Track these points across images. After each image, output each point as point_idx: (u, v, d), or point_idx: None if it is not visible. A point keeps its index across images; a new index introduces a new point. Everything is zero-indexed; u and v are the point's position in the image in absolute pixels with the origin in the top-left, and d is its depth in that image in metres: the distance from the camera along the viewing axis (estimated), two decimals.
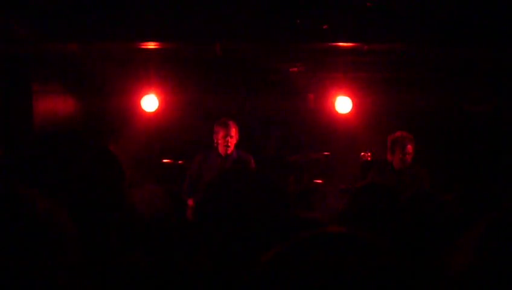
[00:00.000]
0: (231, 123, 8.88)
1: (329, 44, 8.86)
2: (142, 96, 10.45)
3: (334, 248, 1.34)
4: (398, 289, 1.30)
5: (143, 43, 8.88)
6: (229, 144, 8.76)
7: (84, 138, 2.33)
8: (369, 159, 10.12)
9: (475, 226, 1.39)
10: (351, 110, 10.56)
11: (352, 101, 10.50)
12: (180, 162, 9.87)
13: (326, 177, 10.04)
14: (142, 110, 10.51)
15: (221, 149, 8.80)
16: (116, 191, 2.23)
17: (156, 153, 10.49)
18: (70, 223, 1.04)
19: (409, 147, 8.33)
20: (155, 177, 10.26)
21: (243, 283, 1.40)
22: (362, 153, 10.10)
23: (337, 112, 10.60)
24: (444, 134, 10.92)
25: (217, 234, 2.51)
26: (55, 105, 10.22)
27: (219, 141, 8.83)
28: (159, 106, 10.50)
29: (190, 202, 8.67)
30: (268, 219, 2.50)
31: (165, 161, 10.19)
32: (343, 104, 10.53)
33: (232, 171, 2.97)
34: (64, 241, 0.98)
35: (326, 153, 10.27)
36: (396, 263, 1.35)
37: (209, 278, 2.44)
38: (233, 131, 8.82)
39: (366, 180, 7.97)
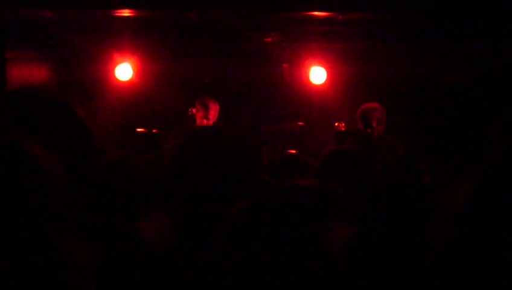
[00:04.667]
0: (211, 104, 8.94)
1: (304, 13, 8.83)
2: (116, 65, 10.41)
3: (303, 200, 1.34)
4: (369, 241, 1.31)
5: (117, 11, 8.80)
6: (208, 120, 8.84)
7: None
8: (342, 129, 10.14)
9: (463, 181, 1.40)
10: (325, 81, 10.59)
11: (327, 72, 10.53)
12: (154, 131, 9.85)
13: (300, 147, 10.06)
14: (116, 78, 10.47)
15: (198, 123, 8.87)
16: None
17: (130, 122, 10.44)
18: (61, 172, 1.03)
19: (378, 118, 8.36)
20: (129, 146, 10.24)
21: (215, 235, 1.40)
22: (336, 124, 10.12)
23: (311, 83, 10.62)
24: (418, 105, 10.96)
25: (186, 191, 2.50)
26: (29, 73, 10.13)
27: (197, 119, 8.89)
28: (133, 75, 10.47)
29: None
30: (238, 178, 2.49)
31: (139, 130, 10.16)
32: (317, 75, 10.56)
33: (204, 129, 2.95)
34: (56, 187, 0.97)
35: (300, 123, 10.29)
36: (367, 217, 1.36)
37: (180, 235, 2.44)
38: (212, 113, 8.90)
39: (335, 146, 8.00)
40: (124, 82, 10.51)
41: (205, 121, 8.82)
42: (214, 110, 8.93)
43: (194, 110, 8.99)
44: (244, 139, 2.65)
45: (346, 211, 1.33)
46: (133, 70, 10.42)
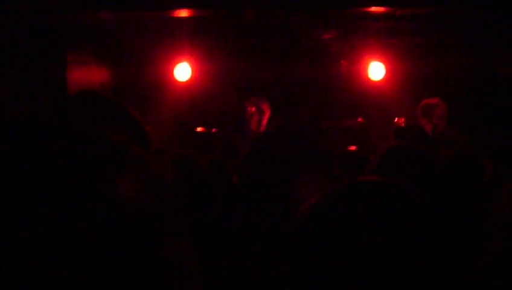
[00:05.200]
0: (264, 107, 9.00)
1: (361, 9, 8.79)
2: (175, 65, 10.49)
3: (371, 196, 1.34)
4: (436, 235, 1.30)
5: (175, 11, 8.86)
6: (262, 123, 8.91)
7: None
8: (403, 125, 10.07)
9: None
10: (384, 77, 10.53)
11: (385, 67, 10.48)
12: (213, 130, 9.89)
13: (360, 144, 10.02)
14: (175, 79, 10.55)
15: (253, 126, 8.90)
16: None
17: (189, 121, 10.50)
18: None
19: (439, 113, 8.30)
20: (189, 146, 10.30)
21: (283, 234, 1.39)
22: (396, 119, 10.06)
23: (370, 79, 10.58)
24: (477, 99, 10.83)
25: (257, 192, 2.50)
26: (89, 75, 10.26)
27: (252, 122, 8.95)
28: (192, 75, 10.53)
29: None
30: (313, 178, 2.49)
31: (198, 129, 10.22)
32: (376, 71, 10.52)
33: (282, 129, 2.94)
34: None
35: (360, 119, 10.26)
36: (433, 212, 1.35)
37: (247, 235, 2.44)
38: (267, 115, 8.96)
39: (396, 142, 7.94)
40: (182, 82, 10.58)
41: (261, 123, 8.88)
42: (268, 111, 8.99)
43: (253, 109, 9.03)
44: (316, 138, 2.66)
45: (413, 206, 1.32)
46: (192, 70, 10.48)
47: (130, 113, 2.23)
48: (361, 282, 1.21)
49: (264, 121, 8.94)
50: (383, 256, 1.23)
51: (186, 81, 10.59)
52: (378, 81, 10.56)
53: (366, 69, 10.52)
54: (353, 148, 9.71)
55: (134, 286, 0.80)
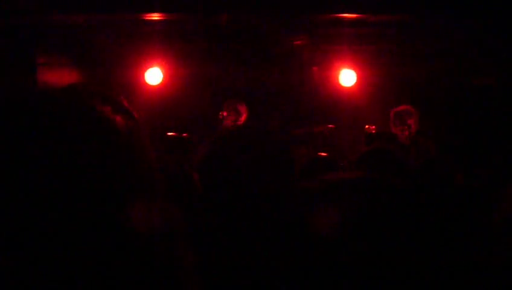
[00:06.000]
0: (241, 108, 8.98)
1: (334, 15, 8.81)
2: (146, 69, 10.44)
3: (355, 191, 1.32)
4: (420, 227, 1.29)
5: (147, 15, 8.83)
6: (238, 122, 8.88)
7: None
8: (373, 132, 10.10)
9: None
10: (355, 83, 10.55)
11: (357, 74, 10.49)
12: (184, 135, 9.85)
13: (330, 150, 10.02)
14: (146, 83, 10.50)
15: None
16: None
17: (160, 126, 10.45)
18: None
19: (410, 121, 8.34)
20: (159, 150, 10.26)
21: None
22: (367, 126, 10.08)
23: (341, 85, 10.59)
24: (449, 107, 10.89)
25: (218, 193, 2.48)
26: (59, 77, 10.18)
27: (228, 123, 8.92)
28: (163, 79, 10.50)
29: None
30: (271, 178, 2.47)
31: (169, 134, 10.17)
32: (347, 77, 10.53)
33: (237, 129, 2.92)
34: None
35: (330, 126, 10.25)
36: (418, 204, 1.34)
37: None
38: (244, 117, 8.95)
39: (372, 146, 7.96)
40: (154, 86, 10.54)
41: (238, 123, 8.85)
42: (244, 114, 8.96)
43: (224, 114, 9.02)
44: (277, 139, 2.63)
45: (400, 201, 1.31)
46: (163, 74, 10.45)
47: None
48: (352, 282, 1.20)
49: (240, 123, 8.92)
50: (370, 252, 1.21)
51: (158, 85, 10.54)
52: (350, 87, 10.58)
53: (337, 75, 10.53)
54: (323, 154, 9.71)
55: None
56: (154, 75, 10.45)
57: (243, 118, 8.96)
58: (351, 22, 9.11)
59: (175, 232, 0.88)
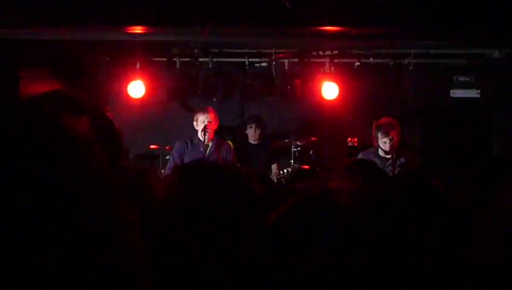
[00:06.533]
0: (210, 109, 8.94)
1: (316, 28, 8.82)
2: (128, 82, 10.43)
3: (336, 204, 1.32)
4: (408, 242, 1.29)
5: (129, 27, 8.82)
6: (208, 129, 8.77)
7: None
8: (355, 144, 10.14)
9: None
10: (337, 96, 10.57)
11: (339, 87, 10.51)
12: (167, 147, 9.85)
13: (313, 163, 10.04)
14: (129, 96, 10.48)
15: (201, 135, 8.84)
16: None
17: (142, 139, 10.44)
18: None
19: (392, 134, 8.36)
20: (142, 162, 10.26)
21: (249, 248, 1.37)
22: (349, 139, 10.12)
23: (323, 98, 10.61)
24: (431, 120, 10.95)
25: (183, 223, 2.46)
26: (42, 91, 10.16)
27: (198, 128, 8.88)
28: (145, 92, 10.48)
29: None
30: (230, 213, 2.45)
31: (152, 146, 10.18)
32: (329, 90, 10.54)
33: (192, 165, 2.91)
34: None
35: (313, 138, 10.27)
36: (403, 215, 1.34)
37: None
38: (212, 116, 8.86)
39: (354, 158, 8.00)
40: (136, 99, 10.52)
41: (207, 124, 8.79)
42: (213, 114, 8.90)
43: (194, 123, 8.98)
44: (234, 173, 2.62)
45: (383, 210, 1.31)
46: (145, 87, 10.43)
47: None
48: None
49: (211, 128, 8.86)
50: (352, 264, 1.21)
51: (140, 98, 10.52)
52: (332, 100, 10.59)
53: (319, 88, 10.54)
54: (306, 167, 9.74)
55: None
56: (136, 88, 10.43)
57: (212, 115, 8.89)
58: (333, 35, 9.13)
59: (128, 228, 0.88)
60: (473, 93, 10.92)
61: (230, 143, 9.22)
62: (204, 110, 8.92)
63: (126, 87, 10.43)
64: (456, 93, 11.01)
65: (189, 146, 8.95)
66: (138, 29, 8.85)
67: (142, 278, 0.90)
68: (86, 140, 0.92)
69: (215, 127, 8.95)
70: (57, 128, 0.90)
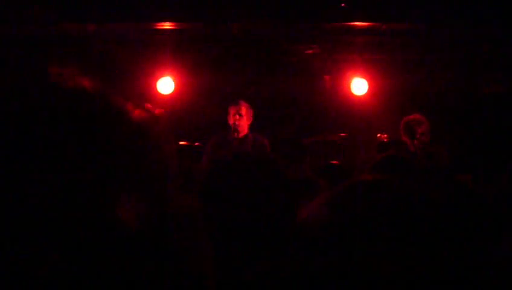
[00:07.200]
0: (242, 102, 8.81)
1: (346, 23, 8.80)
2: (158, 79, 10.45)
3: (372, 194, 1.32)
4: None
5: (159, 24, 8.85)
6: (238, 123, 8.64)
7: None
8: (385, 140, 10.09)
9: None
10: (367, 92, 10.54)
11: (368, 83, 10.48)
12: (196, 144, 9.84)
13: (343, 158, 10.01)
14: (158, 92, 10.50)
15: (242, 130, 8.70)
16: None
17: (172, 135, 10.45)
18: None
19: (421, 130, 8.31)
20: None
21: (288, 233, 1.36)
22: (378, 135, 10.07)
23: (353, 94, 10.58)
24: (461, 116, 10.88)
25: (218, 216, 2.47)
26: (72, 88, 10.20)
27: (230, 122, 8.76)
28: (175, 88, 10.49)
29: None
30: (269, 210, 2.46)
31: (181, 143, 10.18)
32: (359, 86, 10.52)
33: (242, 155, 2.91)
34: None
35: (343, 134, 10.25)
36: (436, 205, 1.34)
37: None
38: (244, 110, 8.70)
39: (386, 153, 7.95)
40: (165, 95, 10.54)
41: (237, 117, 8.65)
42: (245, 107, 8.76)
43: (227, 118, 8.86)
44: (271, 164, 2.63)
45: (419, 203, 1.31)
46: (175, 83, 10.45)
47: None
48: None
49: (243, 122, 8.69)
50: (387, 252, 1.21)
51: (170, 95, 10.54)
52: (361, 96, 10.56)
53: (349, 84, 10.52)
54: (335, 162, 9.70)
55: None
56: (166, 85, 10.45)
57: (243, 111, 8.73)
58: (362, 30, 9.11)
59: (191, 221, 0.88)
60: (505, 88, 10.84)
61: (266, 141, 9.06)
62: (235, 103, 8.81)
63: (155, 83, 10.46)
64: (488, 88, 10.93)
65: (222, 142, 8.81)
66: (167, 26, 8.87)
67: (207, 267, 0.90)
68: (154, 131, 0.92)
69: (248, 122, 8.83)
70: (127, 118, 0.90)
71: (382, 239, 1.21)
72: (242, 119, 8.68)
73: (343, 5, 8.13)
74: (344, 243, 1.22)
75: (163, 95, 10.52)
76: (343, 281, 1.20)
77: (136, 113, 0.91)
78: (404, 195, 1.31)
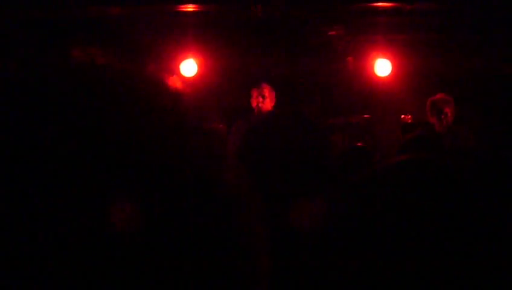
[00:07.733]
0: (264, 85, 8.79)
1: (369, 4, 8.76)
2: (181, 61, 10.45)
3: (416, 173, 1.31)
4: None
5: (183, 6, 8.83)
6: (261, 105, 8.62)
7: None
8: (409, 121, 10.06)
9: None
10: (390, 73, 10.50)
11: (392, 64, 10.44)
12: (220, 126, 9.84)
13: (367, 140, 10.00)
14: (181, 74, 10.50)
15: (256, 112, 8.71)
16: None
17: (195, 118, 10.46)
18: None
19: (447, 110, 8.26)
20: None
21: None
22: (402, 116, 10.05)
23: (376, 75, 10.55)
24: (486, 96, 10.81)
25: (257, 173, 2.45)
26: (95, 69, 10.22)
27: (253, 104, 8.76)
28: (198, 71, 10.49)
29: None
30: (307, 166, 2.43)
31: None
32: (382, 67, 10.48)
33: (277, 115, 2.88)
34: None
35: (366, 116, 10.24)
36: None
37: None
38: (267, 92, 8.68)
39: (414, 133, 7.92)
40: (188, 78, 10.54)
41: (260, 99, 8.64)
42: (267, 89, 8.74)
43: (251, 100, 8.82)
44: (312, 124, 2.60)
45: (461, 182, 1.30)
46: (198, 66, 10.44)
47: None
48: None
49: (266, 104, 8.65)
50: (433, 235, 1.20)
51: (193, 77, 10.54)
52: (385, 77, 10.53)
53: (372, 65, 10.48)
54: (359, 144, 9.69)
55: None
56: (189, 67, 10.45)
57: (266, 92, 8.70)
58: (386, 11, 9.06)
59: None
60: None
61: None
62: (258, 86, 8.79)
63: (178, 65, 10.46)
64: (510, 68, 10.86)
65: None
66: (190, 8, 8.86)
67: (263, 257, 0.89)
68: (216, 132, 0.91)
69: (271, 104, 8.81)
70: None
71: (436, 215, 1.21)
72: (265, 101, 8.67)
73: None
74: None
75: (186, 77, 10.52)
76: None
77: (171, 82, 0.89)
78: (453, 174, 1.30)
